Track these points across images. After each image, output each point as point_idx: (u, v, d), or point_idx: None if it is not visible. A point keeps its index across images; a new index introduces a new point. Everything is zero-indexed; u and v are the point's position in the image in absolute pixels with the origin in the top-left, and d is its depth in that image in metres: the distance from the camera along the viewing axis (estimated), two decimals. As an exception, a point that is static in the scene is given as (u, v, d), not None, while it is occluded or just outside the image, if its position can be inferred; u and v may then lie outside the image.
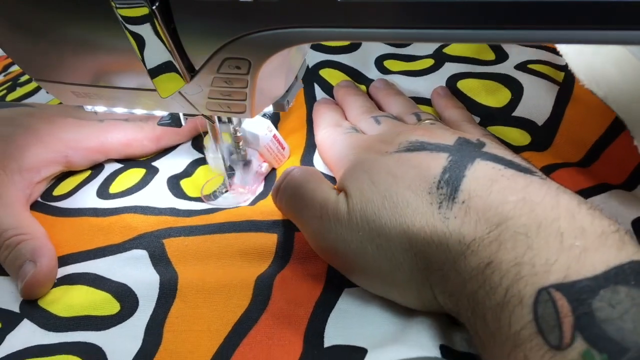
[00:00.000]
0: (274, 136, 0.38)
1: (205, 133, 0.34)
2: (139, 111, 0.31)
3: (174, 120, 0.33)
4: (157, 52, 0.23)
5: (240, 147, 0.36)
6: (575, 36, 0.18)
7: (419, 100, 0.43)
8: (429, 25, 0.19)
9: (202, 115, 0.31)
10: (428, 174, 0.26)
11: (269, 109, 0.30)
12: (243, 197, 0.37)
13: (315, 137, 0.39)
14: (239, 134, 0.36)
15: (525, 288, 0.20)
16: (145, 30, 0.22)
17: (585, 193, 0.32)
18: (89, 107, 0.31)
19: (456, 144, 0.28)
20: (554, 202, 0.22)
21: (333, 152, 0.35)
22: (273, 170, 0.39)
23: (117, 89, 0.27)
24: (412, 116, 0.37)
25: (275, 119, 0.44)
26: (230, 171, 0.37)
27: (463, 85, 0.43)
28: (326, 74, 0.46)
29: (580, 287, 0.19)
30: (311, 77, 0.46)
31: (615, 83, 0.31)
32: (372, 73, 0.46)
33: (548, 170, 0.35)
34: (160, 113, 0.33)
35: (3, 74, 0.60)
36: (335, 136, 0.36)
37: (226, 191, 0.38)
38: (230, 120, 0.35)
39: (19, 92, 0.53)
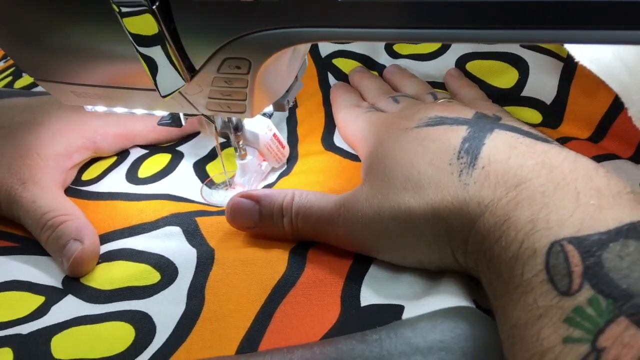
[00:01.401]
0: (274, 135, 0.38)
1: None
2: (139, 111, 0.31)
3: (174, 120, 0.33)
4: (157, 52, 0.23)
5: (240, 145, 0.36)
6: (575, 36, 0.18)
7: (432, 84, 0.44)
8: (429, 25, 0.19)
9: (202, 115, 0.31)
10: (449, 145, 0.27)
11: (269, 108, 0.30)
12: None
13: (335, 118, 0.40)
14: (238, 133, 0.36)
15: (540, 241, 0.21)
16: (145, 30, 0.22)
17: (598, 159, 0.33)
18: (89, 107, 0.31)
19: (474, 117, 0.29)
20: (572, 166, 0.23)
21: (355, 131, 0.36)
22: (272, 169, 0.40)
23: (117, 89, 0.27)
24: (429, 96, 0.38)
25: (293, 106, 0.45)
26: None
27: (472, 67, 0.44)
28: (339, 62, 0.47)
29: (592, 240, 0.20)
30: (324, 66, 0.47)
31: (608, 58, 0.32)
32: (383, 58, 0.47)
33: (562, 142, 0.36)
34: (160, 113, 0.33)
35: (3, 60, 0.60)
36: (356, 115, 0.37)
37: (226, 190, 0.38)
38: (230, 120, 0.35)
39: (27, 79, 0.54)
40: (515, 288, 0.21)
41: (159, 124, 0.33)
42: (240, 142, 0.36)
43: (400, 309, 0.26)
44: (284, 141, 0.39)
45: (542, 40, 0.18)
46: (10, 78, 0.55)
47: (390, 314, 0.26)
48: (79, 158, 0.40)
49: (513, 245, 0.22)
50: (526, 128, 0.28)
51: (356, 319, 0.26)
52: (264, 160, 0.38)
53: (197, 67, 0.24)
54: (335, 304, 0.28)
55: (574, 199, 0.21)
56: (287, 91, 0.29)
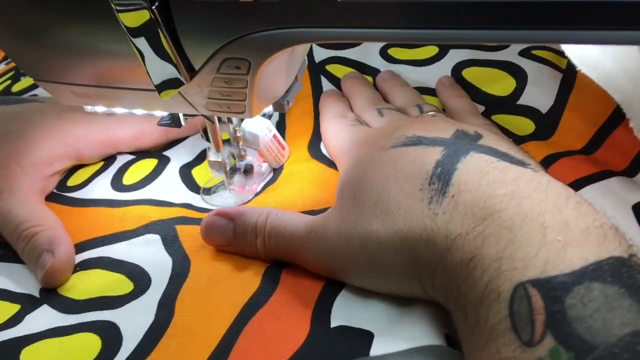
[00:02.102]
0: (274, 136, 0.38)
1: (205, 131, 0.34)
2: (139, 111, 0.31)
3: (174, 121, 0.33)
4: (157, 52, 0.23)
5: (240, 147, 0.36)
6: (575, 36, 0.18)
7: (425, 91, 0.43)
8: (429, 25, 0.19)
9: (202, 115, 0.31)
10: (422, 169, 0.26)
11: (269, 109, 0.30)
12: (242, 196, 0.37)
13: (321, 127, 0.40)
14: (238, 134, 0.36)
15: (504, 283, 0.20)
16: (145, 30, 0.22)
17: (586, 180, 0.33)
18: (89, 108, 0.31)
19: (452, 137, 0.28)
20: (542, 196, 0.22)
21: (336, 144, 0.36)
22: (273, 170, 0.40)
23: (117, 89, 0.27)
24: (415, 108, 0.37)
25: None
26: (230, 176, 0.37)
27: (468, 74, 0.43)
28: (332, 68, 0.47)
29: (555, 283, 0.19)
30: (317, 71, 0.46)
31: (610, 67, 0.31)
32: (377, 61, 0.47)
33: (551, 160, 0.35)
34: (160, 113, 0.33)
35: (4, 62, 0.60)
36: (339, 128, 0.36)
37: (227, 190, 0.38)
38: (230, 120, 0.35)
39: (24, 82, 0.53)
40: (480, 333, 0.21)
41: (158, 124, 0.33)
42: (240, 143, 0.36)
43: (370, 336, 0.26)
44: (284, 142, 0.39)
45: (542, 40, 0.18)
46: (9, 82, 0.55)
47: (360, 340, 0.25)
48: (61, 166, 0.39)
49: (479, 286, 0.21)
50: (504, 148, 0.27)
51: (325, 340, 0.26)
52: (264, 161, 0.38)
53: (196, 68, 0.24)
54: (304, 324, 0.27)
55: (541, 234, 0.21)
56: (286, 91, 0.29)
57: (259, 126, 0.37)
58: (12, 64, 0.59)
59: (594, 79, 0.32)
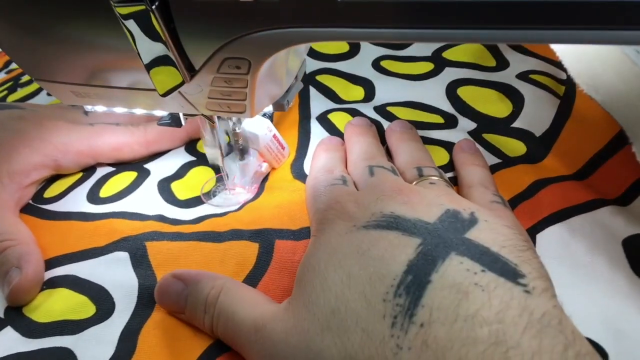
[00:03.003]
0: (274, 136, 0.38)
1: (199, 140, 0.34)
2: (138, 111, 0.31)
3: (174, 120, 0.33)
4: (157, 52, 0.23)
5: (240, 145, 0.36)
6: (575, 36, 0.18)
7: (419, 106, 0.42)
8: (428, 25, 0.19)
9: (202, 115, 0.31)
10: (389, 271, 0.22)
11: (269, 109, 0.30)
12: (242, 196, 0.37)
13: (307, 181, 0.37)
14: (237, 131, 0.36)
15: None
16: (145, 30, 0.22)
17: (576, 210, 0.32)
18: (89, 107, 0.31)
19: (437, 222, 0.25)
20: (534, 345, 0.18)
21: (312, 206, 0.33)
22: (272, 169, 0.40)
23: (117, 89, 0.27)
24: (414, 170, 0.33)
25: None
26: (227, 162, 0.36)
27: (463, 92, 0.43)
28: (322, 78, 0.47)
29: None
30: (307, 81, 0.46)
31: (613, 87, 0.31)
32: (368, 72, 0.46)
33: (540, 185, 0.34)
34: (160, 113, 0.33)
35: (4, 71, 0.60)
36: (320, 185, 0.33)
37: (226, 189, 0.38)
38: (229, 119, 0.35)
39: (20, 93, 0.53)
40: None
41: (158, 124, 0.33)
42: (240, 141, 0.36)
43: None
44: (284, 142, 0.39)
45: (542, 40, 0.18)
46: (5, 92, 0.54)
47: None
48: (38, 176, 0.38)
49: None
50: (497, 246, 0.23)
51: None
52: (264, 161, 0.38)
53: (196, 67, 0.24)
54: None
55: None
56: (287, 91, 0.29)
57: (259, 126, 0.37)
58: (12, 74, 0.58)
59: (599, 101, 0.31)
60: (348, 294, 0.23)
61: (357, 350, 0.21)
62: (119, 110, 0.31)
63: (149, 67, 0.24)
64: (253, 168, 0.38)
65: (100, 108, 0.31)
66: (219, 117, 0.34)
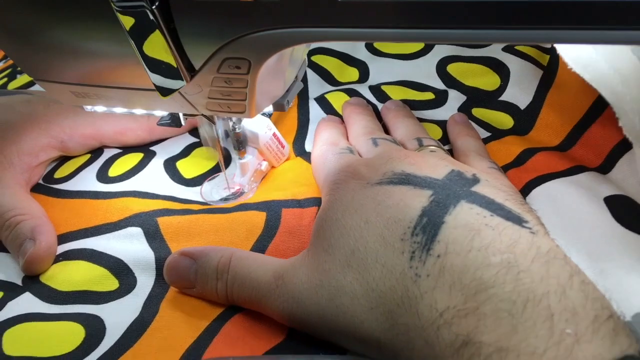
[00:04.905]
0: (274, 134, 0.38)
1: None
2: (138, 111, 0.31)
3: (174, 120, 0.33)
4: (157, 52, 0.23)
5: (240, 143, 0.36)
6: (576, 36, 0.18)
7: (411, 85, 0.44)
8: (429, 25, 0.19)
9: (202, 115, 0.31)
10: (405, 216, 0.24)
11: (269, 108, 0.30)
12: (243, 196, 0.37)
13: (312, 153, 0.39)
14: (237, 131, 0.36)
15: None
16: (145, 30, 0.22)
17: (559, 174, 0.34)
18: (88, 107, 0.31)
19: (445, 178, 0.26)
20: (543, 271, 0.20)
21: (321, 173, 0.34)
22: (272, 168, 0.40)
23: (117, 89, 0.27)
24: (414, 141, 0.35)
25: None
26: (224, 152, 0.37)
27: (452, 69, 0.44)
28: (318, 59, 0.48)
29: None
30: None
31: (602, 67, 0.32)
32: (363, 54, 0.47)
33: (528, 154, 0.36)
34: (160, 113, 0.33)
35: (2, 61, 0.60)
36: (328, 155, 0.35)
37: (227, 190, 0.38)
38: (229, 119, 0.35)
39: (20, 80, 0.54)
40: None
41: (158, 124, 0.33)
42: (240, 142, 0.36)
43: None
44: (284, 140, 0.39)
45: (543, 40, 0.18)
46: (5, 80, 0.55)
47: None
48: (45, 156, 0.40)
49: None
50: (500, 199, 0.24)
51: (302, 341, 0.26)
52: (263, 159, 0.38)
53: (196, 67, 0.24)
54: (283, 325, 0.27)
55: (547, 325, 0.18)
56: (287, 91, 0.29)
57: (258, 125, 0.37)
58: (10, 62, 0.59)
59: (587, 79, 0.32)
60: (367, 237, 0.24)
61: (377, 283, 0.23)
62: (119, 110, 0.31)
63: (149, 67, 0.24)
64: (253, 167, 0.38)
65: (100, 108, 0.31)
66: (219, 117, 0.34)
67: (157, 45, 0.23)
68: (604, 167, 0.34)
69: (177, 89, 0.25)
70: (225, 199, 0.37)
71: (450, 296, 0.21)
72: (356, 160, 0.32)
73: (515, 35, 0.19)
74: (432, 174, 0.27)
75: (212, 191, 0.38)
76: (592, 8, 0.17)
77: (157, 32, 0.22)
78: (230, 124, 0.35)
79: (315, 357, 0.25)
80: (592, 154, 0.35)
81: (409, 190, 0.25)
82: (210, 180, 0.39)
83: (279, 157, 0.39)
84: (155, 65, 0.24)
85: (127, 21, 0.22)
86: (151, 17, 0.21)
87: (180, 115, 0.32)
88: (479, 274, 0.20)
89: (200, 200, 0.37)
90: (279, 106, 0.29)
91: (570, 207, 0.31)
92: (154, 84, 0.25)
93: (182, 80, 0.24)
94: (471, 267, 0.21)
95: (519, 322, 0.19)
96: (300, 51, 0.29)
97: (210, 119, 0.33)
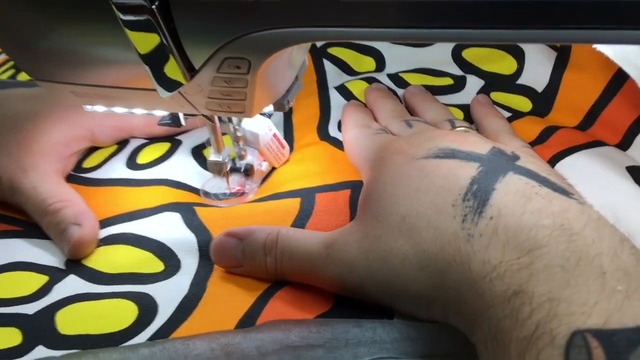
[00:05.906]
0: (274, 135, 0.38)
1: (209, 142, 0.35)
2: (138, 111, 0.31)
3: (174, 120, 0.33)
4: (156, 52, 0.23)
5: (241, 146, 0.36)
6: (577, 36, 0.18)
7: (429, 72, 0.44)
8: (430, 24, 0.19)
9: (202, 115, 0.31)
10: (455, 185, 0.25)
11: (269, 108, 0.30)
12: (243, 197, 0.37)
13: (343, 137, 0.39)
14: (238, 134, 0.36)
15: (559, 327, 0.19)
16: (144, 30, 0.22)
17: (581, 147, 0.34)
18: (88, 107, 0.31)
19: (489, 154, 0.27)
20: (595, 235, 0.21)
21: (360, 153, 0.34)
22: (273, 169, 0.40)
23: (117, 89, 0.27)
24: (447, 123, 0.35)
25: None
26: (229, 177, 0.37)
27: (468, 54, 0.44)
28: (334, 51, 0.48)
29: (619, 337, 0.18)
30: (320, 54, 0.47)
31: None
32: (378, 43, 0.47)
33: (549, 132, 0.37)
34: (160, 113, 0.33)
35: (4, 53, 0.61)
36: (363, 137, 0.35)
37: (227, 191, 0.38)
38: (230, 120, 0.35)
39: None
40: None
41: (159, 124, 0.33)
42: (241, 143, 0.36)
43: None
44: (284, 141, 0.39)
45: (543, 40, 0.18)
46: (13, 71, 0.55)
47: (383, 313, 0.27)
48: (77, 147, 0.40)
49: (527, 325, 0.19)
50: (544, 173, 0.25)
51: (350, 307, 0.27)
52: (264, 160, 0.38)
53: (196, 67, 0.24)
54: (329, 295, 0.28)
55: (599, 281, 0.19)
56: (287, 91, 0.29)
57: (259, 125, 0.37)
58: None
59: (610, 56, 0.32)
60: (417, 204, 0.25)
61: (428, 245, 0.24)
62: (119, 110, 0.31)
63: (149, 67, 0.24)
64: (253, 167, 0.38)
65: (100, 108, 0.31)
66: (220, 119, 0.34)
67: (157, 45, 0.23)
68: (622, 145, 0.35)
69: (177, 89, 0.25)
70: (226, 197, 0.37)
71: (504, 253, 0.21)
72: (396, 139, 0.32)
73: (516, 35, 0.19)
74: (476, 150, 0.27)
75: (212, 191, 0.38)
76: (595, 8, 0.17)
77: (157, 31, 0.22)
78: (231, 126, 0.35)
79: (362, 321, 0.25)
80: (610, 133, 0.36)
81: (456, 163, 0.26)
82: (210, 180, 0.39)
83: (279, 158, 0.39)
84: (155, 65, 0.24)
85: (127, 21, 0.22)
86: (151, 16, 0.21)
87: (180, 115, 0.32)
88: (533, 234, 0.21)
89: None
90: (279, 106, 0.29)
91: (598, 175, 0.32)
92: (154, 84, 0.25)
93: (182, 80, 0.24)
94: (525, 228, 0.21)
95: (571, 276, 0.19)
96: (301, 51, 0.29)
97: (210, 119, 0.33)
